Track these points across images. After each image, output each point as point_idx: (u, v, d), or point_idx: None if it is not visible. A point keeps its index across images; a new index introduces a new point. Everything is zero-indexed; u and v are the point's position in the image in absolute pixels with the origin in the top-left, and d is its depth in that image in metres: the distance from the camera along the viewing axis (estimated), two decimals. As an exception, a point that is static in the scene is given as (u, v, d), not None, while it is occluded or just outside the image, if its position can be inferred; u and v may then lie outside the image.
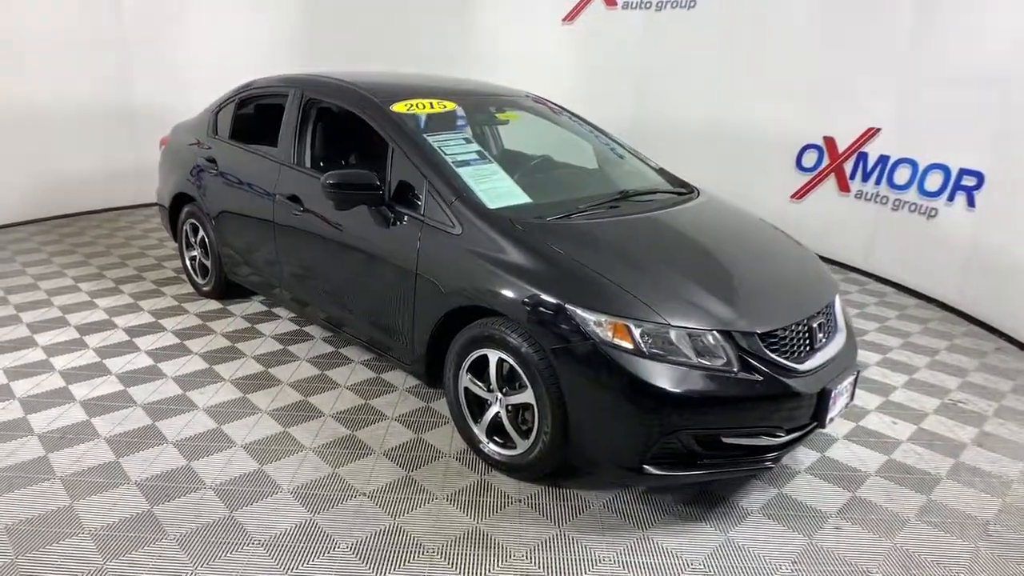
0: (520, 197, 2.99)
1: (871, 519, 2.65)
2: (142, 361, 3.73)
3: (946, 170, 5.12)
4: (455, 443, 3.03)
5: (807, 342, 2.62)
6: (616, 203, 3.17)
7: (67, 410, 3.20)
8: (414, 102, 3.37)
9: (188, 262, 4.80)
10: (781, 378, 2.44)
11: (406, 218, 2.99)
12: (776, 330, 2.51)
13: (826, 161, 6.20)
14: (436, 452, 2.97)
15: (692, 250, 2.90)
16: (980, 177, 4.83)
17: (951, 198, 5.08)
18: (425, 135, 3.14)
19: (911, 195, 5.44)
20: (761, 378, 2.41)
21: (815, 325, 2.65)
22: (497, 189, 2.97)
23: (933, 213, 5.25)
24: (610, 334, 2.36)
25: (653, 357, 2.34)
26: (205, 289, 4.68)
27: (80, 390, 3.39)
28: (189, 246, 4.74)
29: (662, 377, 2.31)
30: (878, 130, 5.71)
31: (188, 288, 4.85)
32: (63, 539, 2.36)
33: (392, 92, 3.45)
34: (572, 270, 2.55)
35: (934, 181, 5.23)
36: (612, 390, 2.35)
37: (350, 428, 3.14)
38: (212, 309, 4.51)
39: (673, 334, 2.37)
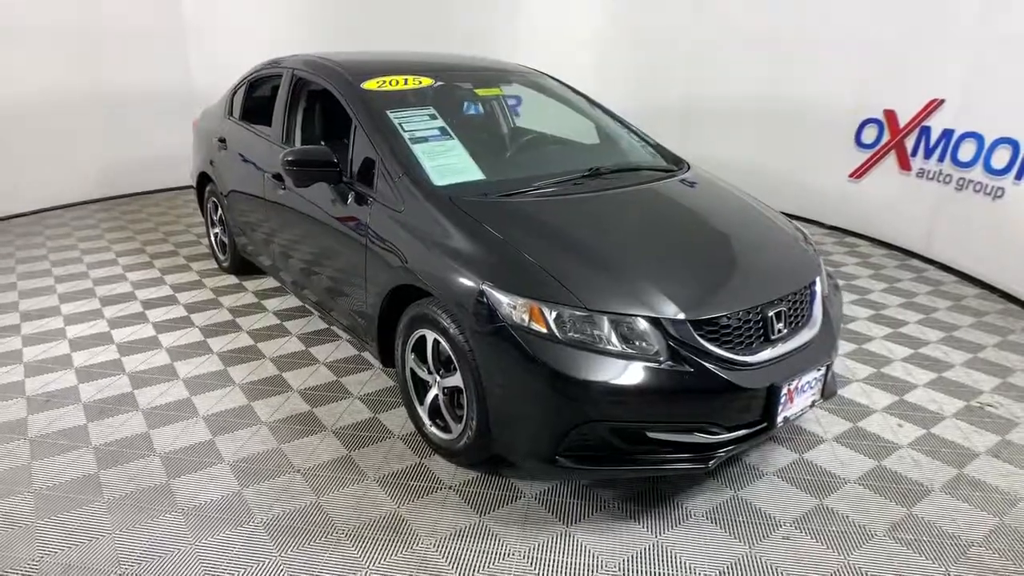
0: (473, 174, 2.87)
1: (830, 531, 2.38)
2: (145, 332, 3.91)
3: (1015, 145, 4.53)
4: (408, 425, 2.98)
5: (760, 332, 2.37)
6: (584, 180, 2.99)
7: (61, 375, 3.40)
8: (387, 79, 3.31)
9: (212, 239, 4.99)
10: (718, 371, 2.22)
11: (360, 195, 2.95)
12: (717, 318, 2.28)
13: (886, 137, 5.66)
14: (386, 433, 2.94)
15: (647, 230, 2.69)
16: (1051, 152, 4.24)
17: (1019, 176, 4.50)
18: (388, 111, 3.07)
19: (976, 173, 4.86)
20: (692, 370, 2.20)
21: (772, 314, 2.39)
22: (450, 166, 2.87)
23: (999, 193, 4.67)
24: (526, 317, 2.23)
25: (569, 343, 2.19)
26: (225, 265, 4.86)
27: (80, 357, 3.59)
28: (213, 224, 4.93)
29: (572, 364, 2.15)
30: (942, 101, 5.13)
31: (213, 264, 5.04)
32: (6, 496, 2.49)
33: (369, 69, 3.40)
34: (495, 249, 2.42)
35: (1001, 157, 4.65)
36: (523, 376, 2.22)
37: (311, 404, 3.15)
38: (228, 284, 4.67)
39: (593, 319, 2.21)
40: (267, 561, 2.21)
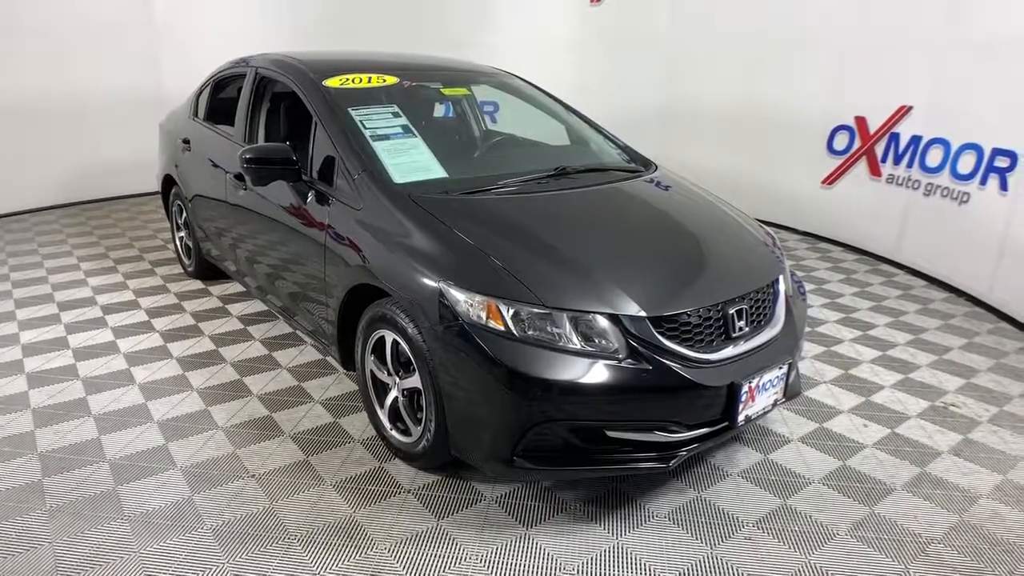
0: (435, 172, 2.83)
1: (792, 531, 2.35)
2: (104, 337, 3.81)
3: (979, 150, 4.58)
4: (369, 430, 2.92)
5: (721, 330, 2.35)
6: (549, 180, 2.96)
7: (11, 381, 3.29)
8: (349, 76, 3.27)
9: (177, 243, 4.90)
10: (677, 368, 2.19)
11: (320, 194, 2.89)
12: (677, 315, 2.25)
13: (857, 143, 5.71)
14: (346, 437, 2.87)
15: (609, 229, 2.66)
16: (1014, 157, 4.29)
17: (983, 181, 4.55)
18: (349, 108, 3.02)
19: (943, 178, 4.91)
20: (651, 368, 2.16)
21: (733, 312, 2.37)
22: (412, 163, 2.83)
23: (965, 198, 4.72)
24: (483, 315, 2.18)
25: (525, 341, 2.14)
26: (190, 270, 4.77)
27: (33, 363, 3.48)
28: (178, 228, 4.84)
29: (530, 363, 2.11)
30: (910, 108, 5.19)
31: (179, 269, 4.95)
32: (-54, 504, 2.40)
33: (333, 67, 3.35)
34: (453, 247, 2.38)
35: (967, 163, 4.70)
36: (480, 375, 2.17)
37: (271, 409, 3.08)
38: (192, 289, 4.58)
39: (551, 317, 2.17)
40: (214, 568, 2.13)
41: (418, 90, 3.52)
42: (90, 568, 2.12)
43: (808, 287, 4.84)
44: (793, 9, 5.99)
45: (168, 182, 4.80)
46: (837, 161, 5.91)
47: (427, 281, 2.31)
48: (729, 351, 2.33)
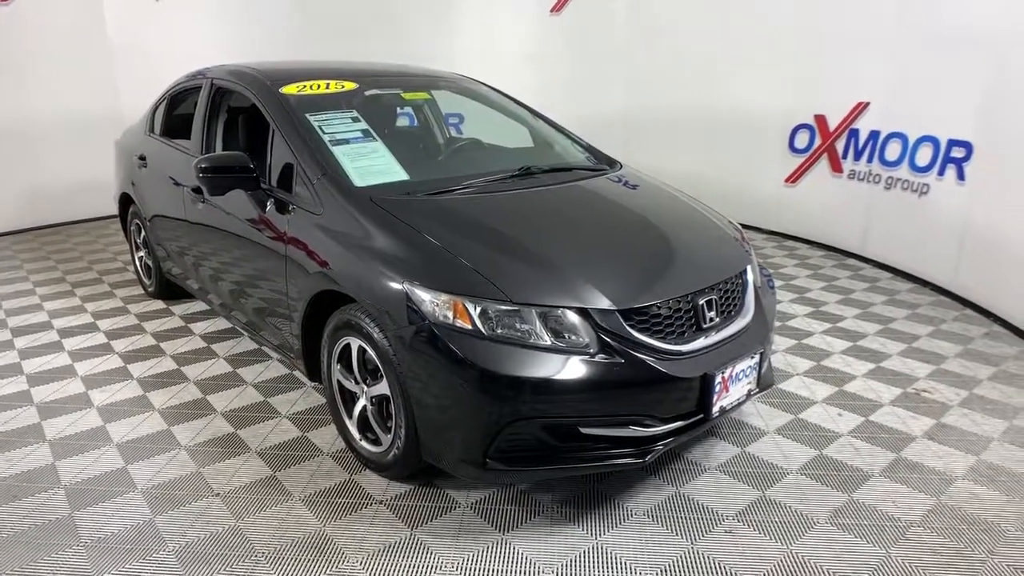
0: (397, 175, 2.78)
1: (772, 522, 2.32)
2: (60, 361, 3.67)
3: (935, 142, 4.67)
4: (338, 442, 2.83)
5: (692, 321, 2.32)
6: (512, 179, 2.93)
7: (-39, 410, 3.14)
8: (306, 83, 3.21)
9: (136, 263, 4.76)
10: (649, 360, 2.16)
11: (280, 202, 2.82)
12: (647, 307, 2.22)
13: (818, 141, 5.79)
14: (314, 451, 2.78)
15: (576, 225, 2.62)
16: (969, 148, 4.38)
17: (941, 172, 4.63)
18: (307, 115, 2.96)
19: (903, 171, 4.99)
20: (622, 361, 2.13)
21: (703, 303, 2.34)
22: (372, 167, 2.77)
23: (925, 190, 4.80)
24: (450, 315, 2.13)
25: (494, 339, 2.09)
26: (151, 290, 4.63)
27: (-16, 390, 3.34)
28: (137, 247, 4.71)
29: (500, 361, 2.06)
30: (868, 104, 5.28)
31: (139, 290, 4.81)
32: None
33: (291, 75, 3.29)
34: (418, 247, 2.32)
35: (924, 155, 4.79)
36: (449, 376, 2.11)
37: (236, 426, 2.98)
38: (154, 309, 4.45)
39: (520, 313, 2.12)
40: (177, 591, 2.03)
41: (378, 95, 3.47)
42: (43, 598, 2.00)
43: (777, 283, 4.87)
44: (751, 12, 6.07)
45: (125, 201, 4.68)
46: (799, 160, 5.99)
47: (391, 283, 2.25)
48: (701, 342, 2.31)
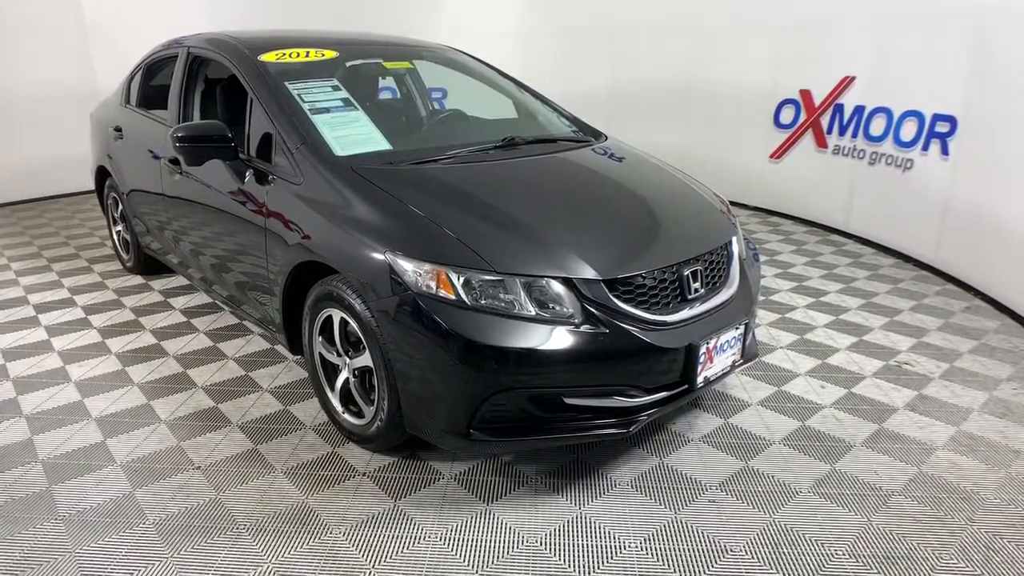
0: (379, 144, 2.73)
1: (755, 491, 2.34)
2: (36, 336, 3.60)
3: (920, 117, 4.67)
4: (321, 415, 2.81)
5: (677, 292, 2.31)
6: (496, 150, 2.89)
7: (-66, 385, 3.08)
8: (286, 51, 3.14)
9: (114, 238, 4.68)
10: (634, 331, 2.14)
11: (259, 172, 2.76)
12: (631, 277, 2.20)
13: (803, 116, 5.77)
14: (297, 424, 2.76)
15: (560, 195, 2.59)
16: (953, 122, 4.38)
17: (925, 147, 4.64)
18: (286, 83, 2.90)
19: (887, 146, 4.99)
20: (608, 331, 2.11)
21: (688, 273, 2.33)
22: (354, 136, 2.72)
23: (909, 165, 4.81)
24: (432, 284, 2.10)
25: (478, 309, 2.07)
26: (129, 265, 4.55)
27: (-43, 366, 3.27)
28: (115, 221, 4.62)
29: (483, 331, 2.04)
30: (853, 79, 5.26)
31: (118, 265, 4.72)
32: None
33: (270, 43, 3.21)
34: (398, 216, 2.28)
35: (909, 130, 4.79)
36: (431, 347, 2.09)
37: (217, 400, 2.94)
38: (132, 284, 4.38)
39: (504, 283, 2.10)
40: (158, 563, 2.01)
41: (359, 64, 3.40)
42: (20, 572, 1.97)
43: (761, 258, 4.87)
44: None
45: (102, 174, 4.58)
46: (784, 135, 5.97)
47: (373, 253, 2.21)
48: (685, 313, 2.30)
